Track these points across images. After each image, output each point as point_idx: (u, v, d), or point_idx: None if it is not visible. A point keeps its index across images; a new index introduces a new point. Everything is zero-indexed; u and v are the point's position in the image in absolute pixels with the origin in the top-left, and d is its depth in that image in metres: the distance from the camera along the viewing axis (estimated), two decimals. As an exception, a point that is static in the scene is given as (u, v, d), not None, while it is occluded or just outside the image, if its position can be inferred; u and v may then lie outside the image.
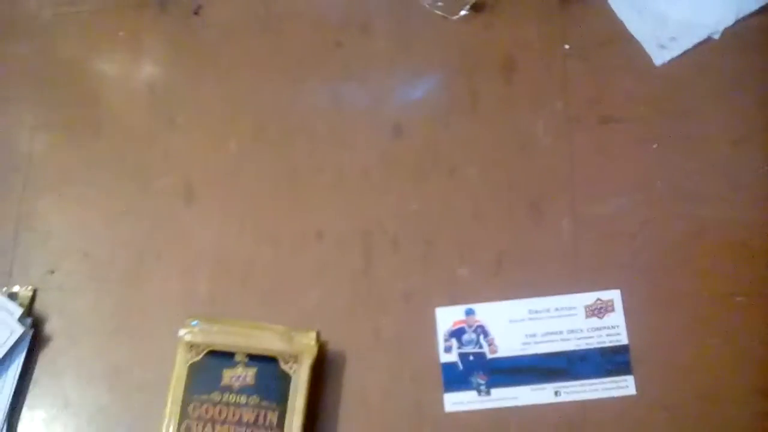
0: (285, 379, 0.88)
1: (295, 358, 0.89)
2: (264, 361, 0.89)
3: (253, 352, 0.89)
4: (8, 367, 0.94)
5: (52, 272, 0.99)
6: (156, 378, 0.91)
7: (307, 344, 0.89)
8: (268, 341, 0.90)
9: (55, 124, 1.05)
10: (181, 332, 0.91)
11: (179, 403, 0.89)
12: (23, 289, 0.98)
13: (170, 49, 1.06)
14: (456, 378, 0.89)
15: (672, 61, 0.95)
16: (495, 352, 0.89)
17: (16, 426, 0.94)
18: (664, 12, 0.97)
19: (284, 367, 0.89)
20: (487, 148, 0.96)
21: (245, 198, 0.98)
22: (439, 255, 0.93)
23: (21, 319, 0.95)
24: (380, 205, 0.95)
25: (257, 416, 0.88)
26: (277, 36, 1.03)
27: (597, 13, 0.98)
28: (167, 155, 1.01)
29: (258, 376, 0.89)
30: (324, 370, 0.91)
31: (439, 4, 1.00)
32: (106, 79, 1.05)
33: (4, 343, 0.94)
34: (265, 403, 0.88)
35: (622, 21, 0.97)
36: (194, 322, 0.91)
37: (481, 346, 0.89)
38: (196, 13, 1.06)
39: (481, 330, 0.90)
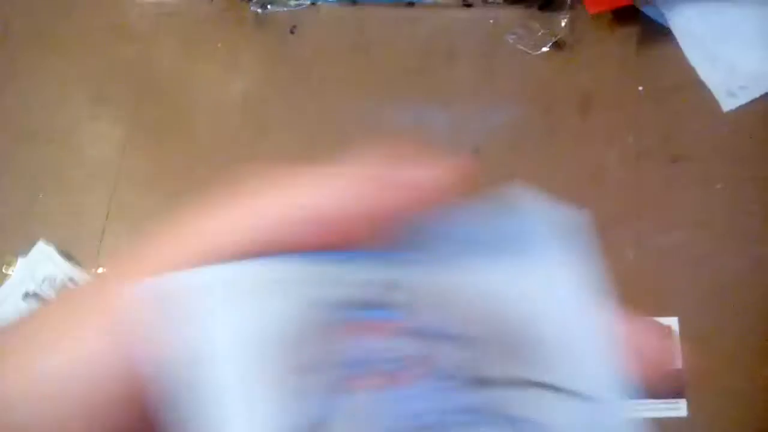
0: None
1: None
2: None
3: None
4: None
5: (140, 263, 1.04)
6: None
7: None
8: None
9: (152, 122, 1.11)
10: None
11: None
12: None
13: (264, 63, 1.12)
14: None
15: (739, 108, 1.01)
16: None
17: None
18: (735, 62, 1.02)
19: None
20: (559, 177, 1.01)
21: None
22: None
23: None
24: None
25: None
26: (366, 58, 1.10)
27: (671, 59, 1.04)
28: (255, 161, 1.07)
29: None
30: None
31: (523, 39, 1.06)
32: (202, 87, 1.12)
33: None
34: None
35: (694, 68, 1.03)
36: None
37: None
38: (291, 32, 1.12)
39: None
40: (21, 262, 1.03)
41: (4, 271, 1.03)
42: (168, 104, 1.12)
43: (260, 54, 1.13)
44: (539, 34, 1.06)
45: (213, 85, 1.12)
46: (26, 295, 1.00)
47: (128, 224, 1.06)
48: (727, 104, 1.01)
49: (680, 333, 0.93)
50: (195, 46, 1.15)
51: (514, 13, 1.08)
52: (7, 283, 1.02)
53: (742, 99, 1.01)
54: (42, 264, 1.02)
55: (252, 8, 1.14)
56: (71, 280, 1.01)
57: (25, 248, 1.04)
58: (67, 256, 1.03)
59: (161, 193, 1.07)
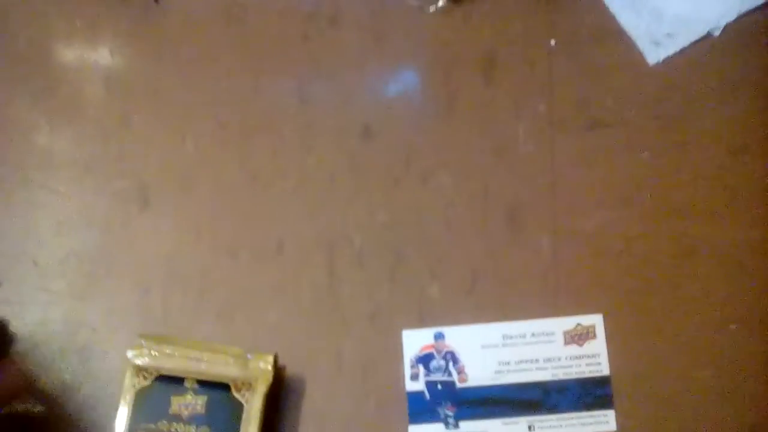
0: (237, 408, 0.82)
1: (249, 386, 0.82)
2: (215, 388, 0.82)
3: (204, 377, 0.83)
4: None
5: (0, 284, 0.92)
6: (105, 396, 0.85)
7: (262, 370, 0.82)
8: (221, 365, 0.83)
9: (4, 118, 0.97)
10: (130, 354, 0.84)
11: (125, 430, 0.83)
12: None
13: (128, 40, 0.97)
14: (422, 409, 0.82)
15: (667, 61, 0.87)
16: (465, 381, 0.82)
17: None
18: (661, 5, 0.88)
19: (237, 394, 0.82)
20: (463, 154, 0.88)
21: (202, 204, 0.91)
22: (409, 271, 0.86)
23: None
24: (346, 214, 0.88)
25: (208, 447, 0.82)
26: (241, 27, 0.95)
27: (587, 5, 0.90)
28: (121, 156, 0.93)
29: (209, 405, 0.82)
30: (281, 395, 0.84)
31: (415, -7, 0.92)
32: (61, 71, 0.98)
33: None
34: (215, 433, 0.82)
35: (614, 15, 0.89)
36: (144, 342, 0.85)
37: (450, 374, 0.82)
38: (156, 1, 0.98)
39: (451, 356, 0.83)
40: None
41: None
42: (24, 95, 0.98)
43: (123, 29, 0.98)
44: (434, -15, 0.92)
45: (71, 70, 0.98)
46: None
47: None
48: (653, 56, 0.87)
49: (606, 333, 0.81)
50: (50, 26, 1.00)
51: (405, -37, 0.94)
52: None
53: (670, 49, 0.87)
54: None
55: (113, -24, 0.99)
56: None
57: None
58: None
59: (15, 203, 0.94)
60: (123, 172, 0.93)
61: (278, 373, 0.83)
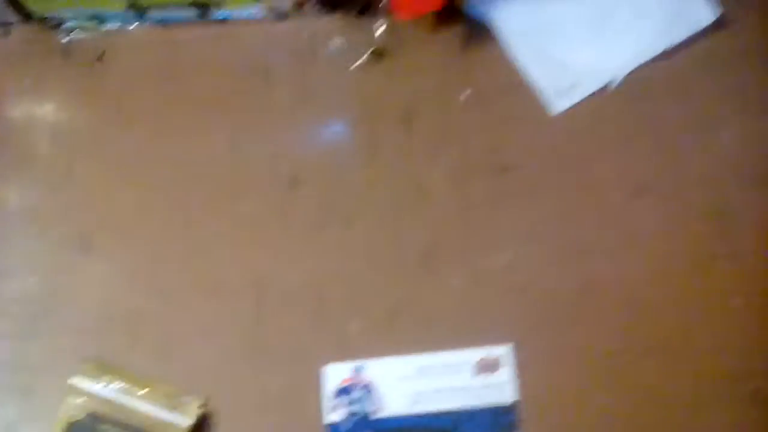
0: None
1: None
2: None
3: (131, 423, 0.88)
4: None
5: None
6: (46, 433, 0.90)
7: (178, 427, 0.88)
8: (150, 407, 0.88)
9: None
10: (73, 380, 0.90)
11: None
12: None
13: (73, 96, 1.04)
14: (341, 438, 0.87)
15: (569, 111, 0.93)
16: (381, 411, 0.87)
17: None
18: (564, 59, 0.95)
19: None
20: (383, 199, 0.94)
21: (139, 249, 0.96)
22: (331, 310, 0.91)
23: None
24: (274, 258, 0.94)
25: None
26: (176, 85, 1.02)
27: (497, 60, 0.96)
28: (65, 205, 0.99)
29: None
30: (208, 432, 0.89)
31: (340, 51, 0.98)
32: (11, 127, 1.04)
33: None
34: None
35: (521, 68, 0.95)
36: (87, 371, 0.90)
37: (367, 406, 0.87)
38: (99, 60, 1.04)
39: (369, 388, 0.88)
40: None
41: None
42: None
43: (68, 87, 1.04)
44: (357, 44, 0.99)
45: (20, 126, 1.03)
46: None
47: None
48: (557, 105, 0.94)
49: (516, 361, 0.87)
50: (2, 85, 1.06)
51: (331, 23, 1.00)
52: None
53: (572, 99, 0.94)
54: None
55: (59, 37, 1.05)
56: None
57: None
58: None
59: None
60: (65, 220, 0.98)
61: (203, 416, 0.88)
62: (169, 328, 0.93)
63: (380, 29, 0.98)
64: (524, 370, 0.87)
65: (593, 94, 0.94)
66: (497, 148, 0.93)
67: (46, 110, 1.04)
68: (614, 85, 0.93)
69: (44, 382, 0.93)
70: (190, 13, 1.02)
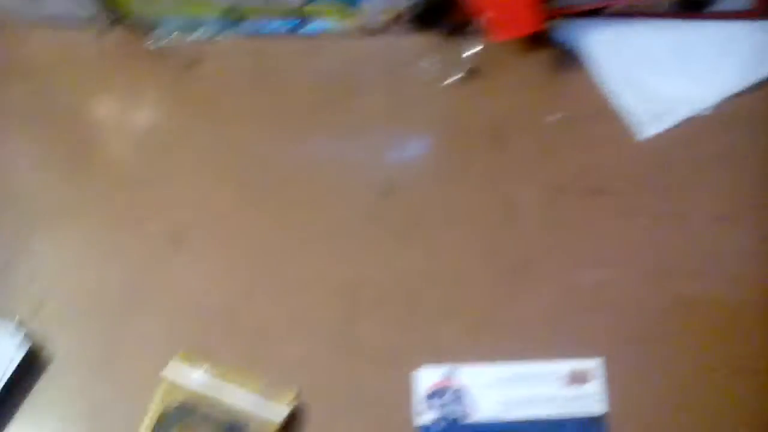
0: None
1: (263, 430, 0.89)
2: (232, 429, 0.89)
3: (225, 413, 0.89)
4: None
5: (39, 308, 0.98)
6: (136, 418, 0.91)
7: (271, 421, 0.89)
8: (244, 398, 0.90)
9: (50, 163, 1.06)
10: (168, 370, 0.91)
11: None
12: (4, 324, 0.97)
13: (164, 100, 1.07)
14: (432, 440, 0.89)
15: (658, 136, 0.97)
16: (472, 416, 0.89)
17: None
18: (652, 87, 0.98)
19: None
20: (474, 211, 0.97)
21: (233, 245, 0.98)
22: (423, 314, 0.93)
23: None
24: (368, 261, 0.96)
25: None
26: (267, 93, 1.05)
27: (586, 85, 1.00)
28: (158, 202, 1.01)
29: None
30: (298, 428, 0.90)
31: (431, 68, 1.02)
32: (102, 123, 1.07)
33: (6, 369, 0.94)
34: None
35: (610, 94, 0.99)
36: (181, 363, 0.91)
37: (458, 410, 0.89)
38: (191, 65, 1.07)
39: (461, 393, 0.90)
40: None
41: None
42: (65, 143, 1.06)
43: (159, 91, 1.07)
44: (449, 62, 1.02)
45: (111, 125, 1.06)
46: None
47: (30, 266, 1.00)
48: (645, 131, 0.97)
49: (606, 375, 0.89)
50: (92, 84, 1.09)
51: (423, 41, 1.04)
52: None
53: (660, 126, 0.97)
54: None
55: (149, 43, 1.08)
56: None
57: None
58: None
59: (63, 236, 1.02)
60: (159, 216, 1.00)
61: (294, 411, 0.90)
62: (261, 324, 0.95)
63: (473, 50, 1.01)
64: (613, 383, 0.89)
65: (682, 122, 0.97)
66: (587, 171, 0.97)
67: (137, 110, 1.07)
68: (705, 112, 0.97)
69: (138, 370, 0.94)
70: (285, 24, 1.04)
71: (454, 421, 0.89)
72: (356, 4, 1.00)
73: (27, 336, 0.95)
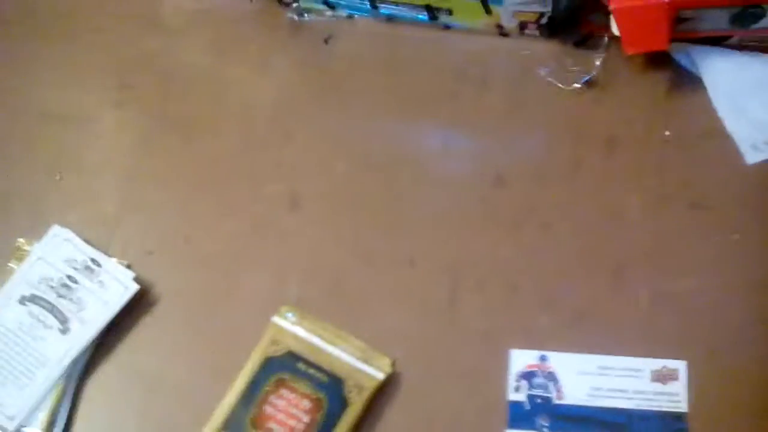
0: (344, 404, 0.94)
1: (359, 389, 0.94)
2: (331, 383, 0.95)
3: (326, 366, 0.95)
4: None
5: (151, 253, 1.05)
6: (236, 367, 0.96)
7: (372, 377, 0.95)
8: (345, 356, 0.96)
9: (177, 115, 1.12)
10: (275, 318, 0.97)
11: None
12: (119, 261, 1.03)
13: (296, 69, 1.13)
14: (521, 416, 0.94)
15: (762, 163, 1.02)
16: (561, 398, 0.94)
17: (82, 387, 0.99)
18: (762, 117, 1.04)
19: (347, 393, 0.94)
20: (580, 211, 1.02)
21: (346, 214, 1.04)
22: (522, 301, 0.99)
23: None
24: (473, 245, 1.01)
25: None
26: (397, 76, 1.11)
27: (699, 107, 1.05)
28: (279, 164, 1.07)
29: (320, 394, 0.95)
30: (392, 393, 0.96)
31: (555, 74, 1.07)
32: (232, 84, 1.12)
33: (121, 296, 1.00)
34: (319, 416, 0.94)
35: (721, 118, 1.04)
36: (289, 314, 0.97)
37: (549, 391, 0.95)
38: (326, 42, 1.13)
39: (552, 376, 0.95)
40: (36, 245, 1.02)
41: (23, 247, 1.03)
42: (194, 100, 1.12)
43: (292, 61, 1.13)
44: (572, 70, 1.07)
45: (242, 86, 1.12)
46: (23, 299, 1.00)
47: (143, 215, 1.07)
48: (751, 157, 1.02)
49: (688, 377, 0.94)
50: (227, 46, 1.15)
51: (549, 47, 1.09)
52: (18, 272, 1.02)
53: (766, 154, 1.02)
54: (60, 246, 1.01)
55: (289, 15, 1.15)
56: (93, 261, 1.01)
57: (38, 230, 1.04)
58: (81, 240, 1.04)
59: (179, 188, 1.08)
60: (278, 179, 1.06)
61: (390, 376, 0.96)
62: (366, 290, 1.01)
63: (596, 61, 1.07)
64: (694, 387, 0.94)
65: (786, 153, 1.03)
66: (691, 186, 1.02)
67: (268, 76, 1.13)
68: (805, 148, 1.03)
69: (243, 319, 1.00)
70: (420, 14, 1.10)
71: (545, 400, 0.94)
72: (492, 5, 1.05)
73: (137, 277, 1.02)
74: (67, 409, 0.97)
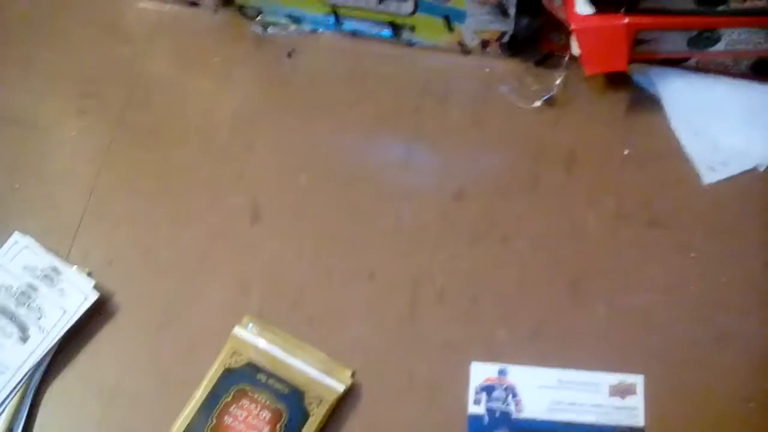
0: (304, 416, 0.94)
1: (320, 401, 0.94)
2: (291, 394, 0.95)
3: (287, 378, 0.95)
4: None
5: (111, 262, 1.04)
6: (196, 377, 0.96)
7: (333, 390, 0.95)
8: (306, 367, 0.96)
9: (140, 124, 1.12)
10: (236, 329, 0.97)
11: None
12: (79, 270, 1.02)
13: (259, 82, 1.13)
14: (480, 430, 0.94)
15: (719, 183, 1.04)
16: (521, 411, 0.95)
17: (41, 395, 0.98)
18: (719, 138, 1.06)
19: (307, 404, 0.94)
20: (539, 226, 1.03)
21: (308, 227, 1.05)
22: (481, 314, 0.99)
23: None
24: (433, 258, 1.02)
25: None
26: (360, 90, 1.12)
27: (657, 127, 1.07)
28: (241, 176, 1.07)
29: (280, 405, 0.95)
30: (352, 405, 0.96)
31: (516, 92, 1.09)
32: (195, 95, 1.13)
33: (81, 305, 0.99)
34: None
35: (678, 138, 1.06)
36: (250, 324, 0.97)
37: (508, 405, 0.95)
38: (289, 56, 1.14)
39: (511, 390, 0.96)
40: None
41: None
42: (157, 110, 1.13)
43: (255, 73, 1.14)
44: (532, 88, 1.09)
45: (205, 97, 1.13)
46: None
47: (104, 224, 1.06)
48: (708, 177, 1.04)
49: (645, 391, 0.95)
50: (191, 57, 1.15)
51: (510, 65, 1.11)
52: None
53: (722, 174, 1.04)
54: (20, 254, 1.01)
55: (252, 28, 1.15)
56: (53, 269, 1.00)
57: (-2, 237, 1.04)
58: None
59: (141, 197, 1.08)
60: (240, 190, 1.07)
61: (350, 387, 0.96)
62: (327, 302, 1.01)
63: (555, 80, 1.08)
64: (652, 399, 0.95)
65: (742, 173, 1.04)
66: (649, 204, 1.03)
67: (231, 87, 1.13)
68: (761, 169, 1.04)
69: (203, 330, 1.00)
70: (384, 30, 1.11)
71: (504, 414, 0.95)
72: (455, 23, 1.07)
73: (97, 285, 1.01)
74: (24, 416, 0.96)
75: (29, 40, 1.17)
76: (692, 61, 1.07)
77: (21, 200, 1.08)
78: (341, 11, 1.11)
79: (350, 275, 1.02)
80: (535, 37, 1.10)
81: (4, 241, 1.03)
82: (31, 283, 0.99)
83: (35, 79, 1.15)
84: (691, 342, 0.98)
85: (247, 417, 0.93)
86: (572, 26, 1.02)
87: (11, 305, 0.99)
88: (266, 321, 0.99)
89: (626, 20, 1.00)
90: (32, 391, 0.97)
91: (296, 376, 0.95)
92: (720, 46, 1.05)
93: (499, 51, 1.11)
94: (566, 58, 1.09)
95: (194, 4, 1.17)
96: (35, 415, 0.97)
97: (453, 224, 1.04)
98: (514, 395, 0.96)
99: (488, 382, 0.97)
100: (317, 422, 0.93)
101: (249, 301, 1.01)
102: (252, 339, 0.97)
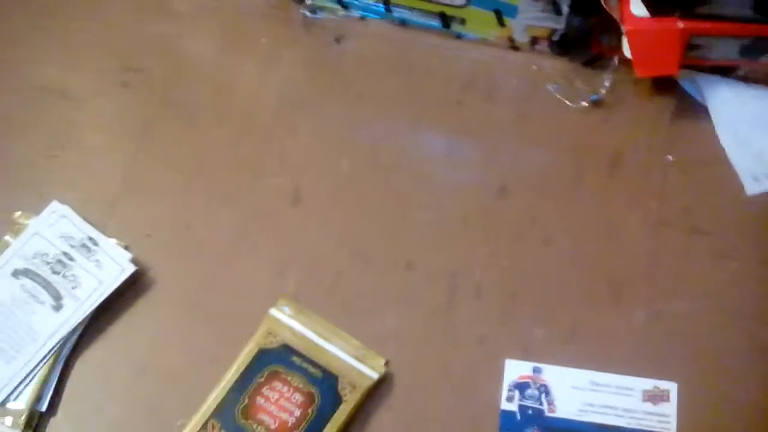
0: (337, 401, 0.93)
1: (353, 386, 0.94)
2: (324, 379, 0.94)
3: (321, 362, 0.95)
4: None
5: (149, 236, 1.04)
6: (228, 356, 0.96)
7: (367, 376, 0.95)
8: (340, 353, 0.95)
9: (182, 101, 1.12)
10: (272, 310, 0.97)
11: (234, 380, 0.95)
12: (117, 242, 1.02)
13: (305, 66, 1.13)
14: (512, 427, 0.94)
15: (762, 194, 1.03)
16: (553, 411, 0.95)
17: (71, 365, 0.98)
18: (764, 150, 1.05)
19: (341, 390, 0.94)
20: (580, 227, 1.03)
21: (348, 213, 1.04)
22: (519, 311, 0.99)
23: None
24: (473, 252, 1.02)
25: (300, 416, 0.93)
26: (406, 80, 1.11)
27: (703, 135, 1.06)
28: (282, 158, 1.07)
29: (312, 389, 0.94)
30: (384, 394, 0.96)
31: (563, 91, 1.08)
32: (239, 75, 1.12)
33: (117, 277, 0.98)
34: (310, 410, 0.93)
35: (723, 147, 1.06)
36: (285, 306, 0.97)
37: (541, 403, 0.95)
38: (337, 41, 1.13)
39: (544, 389, 0.96)
40: (34, 219, 1.01)
41: (20, 221, 1.01)
42: (200, 88, 1.12)
43: (302, 57, 1.13)
44: (580, 88, 1.08)
45: (249, 78, 1.12)
46: (16, 273, 0.99)
47: (143, 198, 1.06)
48: (751, 188, 1.04)
49: (678, 399, 0.95)
50: (237, 37, 1.15)
51: (559, 64, 1.10)
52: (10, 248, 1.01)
53: (766, 186, 1.04)
54: (58, 222, 1.00)
55: (301, 11, 1.15)
56: (91, 239, 1.00)
57: (36, 205, 1.03)
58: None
59: (180, 173, 1.07)
60: (281, 172, 1.06)
61: (384, 377, 0.96)
62: (363, 289, 1.01)
63: (604, 81, 1.08)
64: (684, 409, 0.95)
65: (786, 185, 1.04)
66: (691, 210, 1.03)
67: (277, 69, 1.13)
68: (807, 182, 1.04)
69: (237, 308, 1.00)
70: (433, 21, 1.11)
71: (537, 412, 0.95)
72: (506, 17, 1.06)
73: (133, 258, 1.01)
74: (54, 386, 0.96)
75: (71, 13, 1.17)
76: (741, 72, 1.07)
77: (60, 170, 1.08)
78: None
79: (388, 264, 1.02)
80: (585, 38, 1.09)
81: (42, 209, 1.02)
82: (68, 252, 0.99)
83: (79, 50, 1.15)
84: (727, 352, 0.97)
85: (279, 399, 0.93)
86: (625, 28, 1.02)
87: (46, 273, 0.98)
88: (301, 304, 0.98)
89: (681, 25, 0.99)
90: (62, 361, 0.97)
91: (330, 360, 0.95)
92: (772, 56, 1.05)
93: (549, 49, 1.10)
94: (616, 60, 1.08)
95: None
96: (64, 385, 0.97)
97: (494, 220, 1.03)
98: (547, 394, 0.95)
99: (522, 380, 0.96)
100: (350, 408, 0.93)
101: (285, 284, 1.01)
102: (287, 321, 0.97)
